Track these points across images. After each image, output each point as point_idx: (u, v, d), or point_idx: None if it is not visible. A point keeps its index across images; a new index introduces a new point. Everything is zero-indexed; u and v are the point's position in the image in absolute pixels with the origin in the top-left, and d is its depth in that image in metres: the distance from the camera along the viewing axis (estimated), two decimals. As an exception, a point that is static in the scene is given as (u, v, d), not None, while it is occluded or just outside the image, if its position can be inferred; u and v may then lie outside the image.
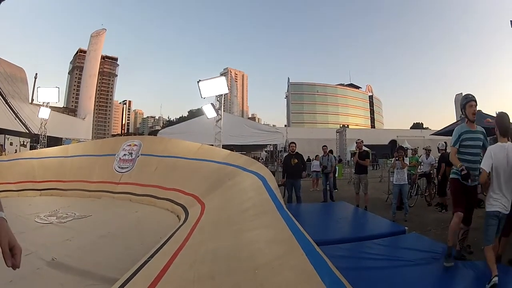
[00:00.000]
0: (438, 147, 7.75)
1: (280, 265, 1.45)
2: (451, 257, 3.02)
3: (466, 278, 2.83)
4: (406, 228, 4.37)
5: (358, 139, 7.67)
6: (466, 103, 3.38)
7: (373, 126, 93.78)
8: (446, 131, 9.79)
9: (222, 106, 9.84)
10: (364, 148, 7.71)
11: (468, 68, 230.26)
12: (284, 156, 9.13)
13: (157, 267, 1.89)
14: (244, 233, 2.15)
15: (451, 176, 3.51)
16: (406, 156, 7.72)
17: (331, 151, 10.50)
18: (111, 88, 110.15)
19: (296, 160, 7.18)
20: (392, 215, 6.22)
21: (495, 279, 2.48)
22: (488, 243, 2.86)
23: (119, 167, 6.39)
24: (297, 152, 7.47)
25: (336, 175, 11.49)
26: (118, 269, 2.32)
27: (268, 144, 23.62)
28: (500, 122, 3.12)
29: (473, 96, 3.38)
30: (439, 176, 7.27)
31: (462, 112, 3.53)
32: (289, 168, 7.24)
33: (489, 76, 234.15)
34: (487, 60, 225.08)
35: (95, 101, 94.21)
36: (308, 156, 27.30)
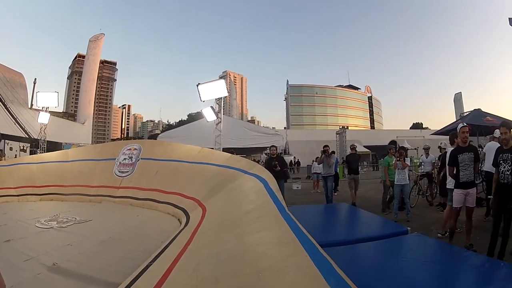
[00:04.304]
0: (440, 146, 7.68)
1: (285, 268, 1.43)
2: None
3: (471, 278, 2.79)
4: (408, 228, 4.35)
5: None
6: None
7: (372, 127, 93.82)
8: (446, 131, 9.77)
9: (222, 109, 9.84)
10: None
11: (466, 67, 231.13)
12: (265, 159, 9.38)
13: (159, 271, 1.87)
14: (247, 236, 2.13)
15: None
16: (407, 157, 7.74)
17: (333, 152, 10.18)
18: (110, 92, 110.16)
19: (277, 163, 7.20)
20: (394, 215, 6.23)
21: None
22: None
23: (119, 171, 6.38)
24: (277, 155, 7.85)
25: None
26: (120, 273, 2.30)
27: (268, 147, 23.65)
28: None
29: None
30: (441, 175, 7.22)
31: None
32: (272, 171, 7.30)
33: (488, 75, 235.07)
34: (486, 58, 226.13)
35: (94, 105, 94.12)
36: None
